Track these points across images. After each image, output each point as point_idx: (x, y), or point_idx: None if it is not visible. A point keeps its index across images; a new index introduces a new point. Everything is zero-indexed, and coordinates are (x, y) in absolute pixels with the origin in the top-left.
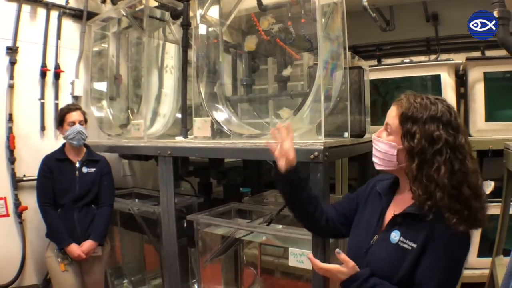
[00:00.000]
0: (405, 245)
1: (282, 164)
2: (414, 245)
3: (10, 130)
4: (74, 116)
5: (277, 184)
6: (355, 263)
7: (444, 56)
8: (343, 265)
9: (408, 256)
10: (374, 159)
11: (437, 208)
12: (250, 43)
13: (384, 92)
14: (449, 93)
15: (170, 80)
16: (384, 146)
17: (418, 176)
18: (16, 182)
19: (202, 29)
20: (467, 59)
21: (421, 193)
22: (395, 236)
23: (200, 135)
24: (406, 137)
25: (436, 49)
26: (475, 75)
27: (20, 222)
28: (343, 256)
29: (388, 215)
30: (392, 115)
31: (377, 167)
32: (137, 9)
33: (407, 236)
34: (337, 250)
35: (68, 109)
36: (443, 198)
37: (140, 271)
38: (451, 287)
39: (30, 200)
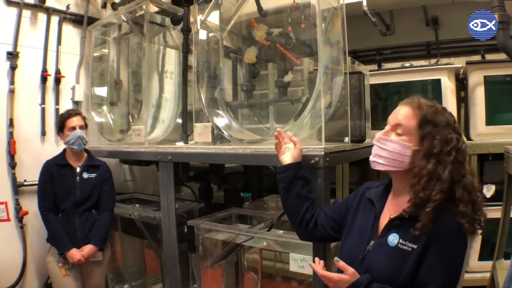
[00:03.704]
0: (404, 247)
1: (287, 158)
2: (415, 246)
3: (11, 135)
4: (74, 121)
5: (278, 176)
6: (355, 270)
7: (444, 60)
8: (344, 273)
9: (409, 258)
10: (376, 159)
11: (436, 207)
12: (250, 55)
13: (385, 97)
14: (449, 97)
15: (171, 85)
16: (397, 146)
17: (433, 176)
18: (17, 187)
19: (203, 35)
20: (467, 63)
21: (422, 190)
22: (393, 239)
23: (200, 141)
24: (426, 139)
25: (436, 53)
26: (475, 79)
27: (21, 226)
28: (342, 263)
29: (383, 220)
30: (407, 116)
31: (380, 168)
32: (137, 14)
33: (406, 238)
34: (336, 258)
35: (68, 114)
36: (439, 193)
37: (141, 276)
38: (454, 284)
39: (30, 204)
